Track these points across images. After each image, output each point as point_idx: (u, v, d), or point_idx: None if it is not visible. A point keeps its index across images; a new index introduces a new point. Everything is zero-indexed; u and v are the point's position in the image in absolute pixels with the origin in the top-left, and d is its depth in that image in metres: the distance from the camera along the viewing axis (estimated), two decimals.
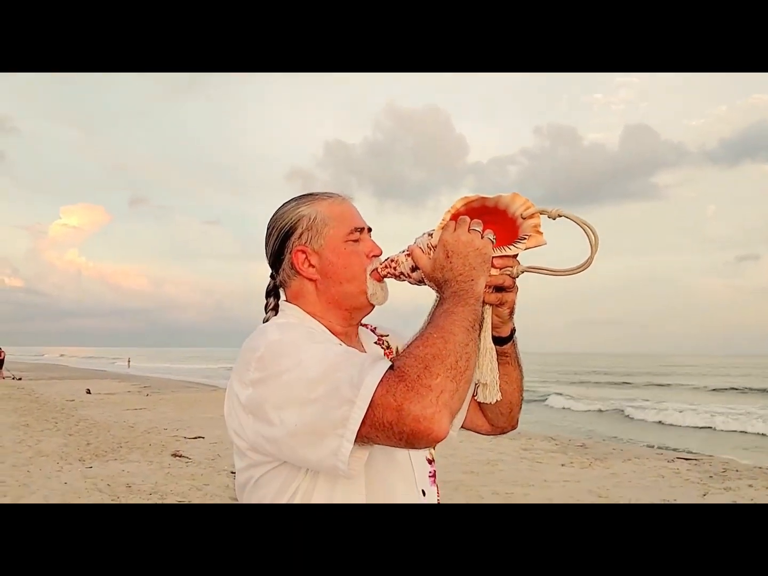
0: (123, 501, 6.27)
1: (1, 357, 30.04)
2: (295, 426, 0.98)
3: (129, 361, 61.70)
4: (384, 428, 0.93)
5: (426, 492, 1.20)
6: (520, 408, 1.35)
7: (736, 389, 30.90)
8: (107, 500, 6.27)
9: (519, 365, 1.30)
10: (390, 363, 0.98)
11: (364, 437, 0.95)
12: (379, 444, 0.98)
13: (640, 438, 14.06)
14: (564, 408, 22.16)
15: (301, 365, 1.00)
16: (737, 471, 8.77)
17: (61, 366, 55.56)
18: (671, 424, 17.13)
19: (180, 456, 8.97)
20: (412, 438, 0.92)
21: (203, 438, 10.74)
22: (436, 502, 1.24)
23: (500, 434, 1.39)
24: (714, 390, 30.94)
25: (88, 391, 20.71)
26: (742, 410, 19.18)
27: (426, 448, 0.95)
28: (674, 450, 11.85)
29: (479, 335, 1.11)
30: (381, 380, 0.94)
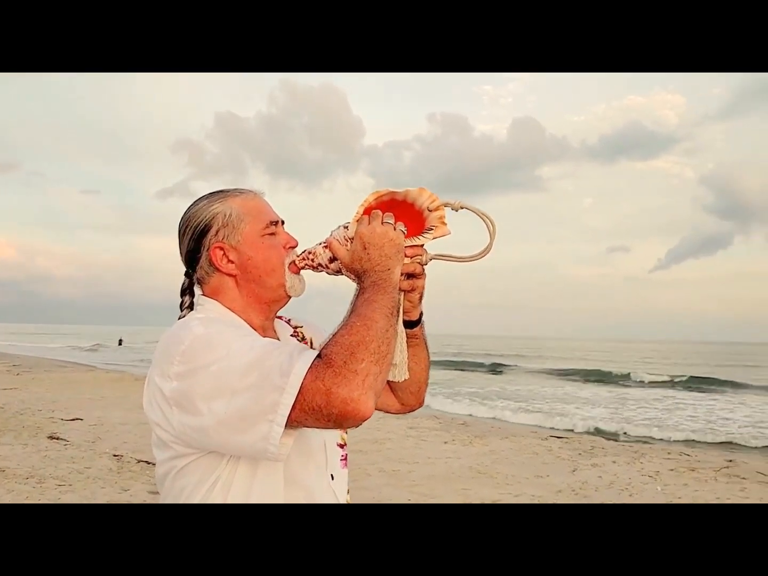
0: None
1: None
2: (225, 414, 1.03)
3: None
4: (314, 411, 1.00)
5: (335, 476, 1.28)
6: (427, 386, 1.46)
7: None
8: None
9: (426, 347, 1.41)
10: (317, 352, 1.05)
11: (294, 421, 1.02)
12: (308, 426, 1.05)
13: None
14: None
15: (230, 356, 1.06)
16: (603, 448, 9.50)
17: None
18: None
19: (57, 438, 8.55)
20: (341, 419, 1.00)
21: (81, 420, 10.27)
22: (345, 484, 1.33)
23: (409, 412, 1.49)
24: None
25: None
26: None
27: (353, 427, 1.04)
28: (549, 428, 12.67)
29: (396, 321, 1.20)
30: (310, 367, 1.02)
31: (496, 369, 34.84)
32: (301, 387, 1.00)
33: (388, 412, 1.49)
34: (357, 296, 1.14)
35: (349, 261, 1.19)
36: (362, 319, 1.07)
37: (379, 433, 10.14)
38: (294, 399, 1.01)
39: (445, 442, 9.60)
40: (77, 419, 10.31)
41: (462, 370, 33.50)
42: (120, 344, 53.05)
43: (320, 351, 1.05)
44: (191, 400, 1.07)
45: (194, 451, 1.12)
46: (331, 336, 1.08)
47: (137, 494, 5.82)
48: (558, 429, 12.53)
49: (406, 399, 1.46)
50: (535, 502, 6.21)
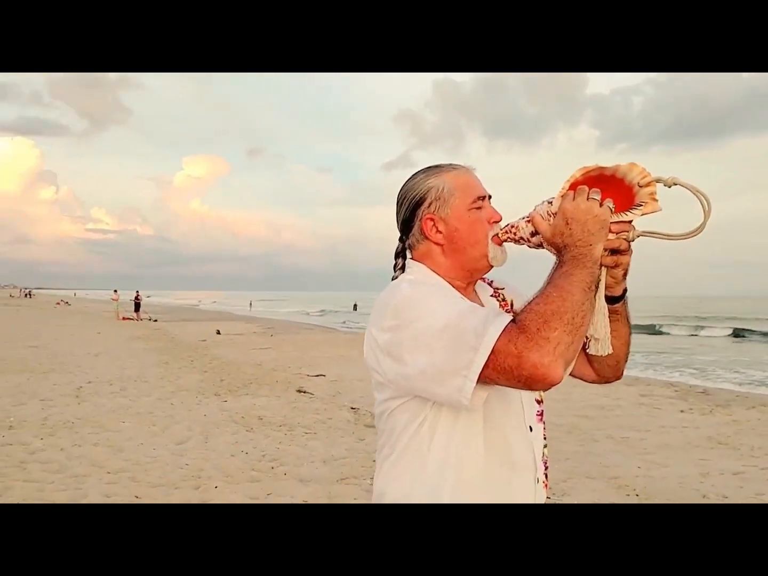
0: (256, 431, 6.88)
1: (138, 300, 32.74)
2: (426, 366, 1.14)
3: (251, 304, 65.17)
4: (505, 372, 1.07)
5: (533, 428, 1.35)
6: (626, 361, 1.45)
7: None
8: (242, 431, 6.90)
9: (628, 323, 1.39)
10: (512, 317, 1.11)
11: (486, 378, 1.10)
12: (500, 385, 1.12)
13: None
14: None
15: (432, 315, 1.16)
16: None
17: (191, 308, 59.57)
18: None
19: (304, 392, 9.60)
20: (530, 381, 1.05)
21: (324, 376, 11.39)
22: (542, 438, 1.39)
23: (605, 383, 1.49)
24: None
25: (218, 332, 22.22)
26: None
27: (542, 390, 1.10)
28: None
29: (595, 295, 1.21)
30: (503, 331, 1.08)
31: (738, 334, 31.50)
32: (494, 348, 1.07)
33: (583, 380, 1.50)
34: (555, 269, 1.16)
35: (550, 235, 1.20)
36: (559, 290, 1.10)
37: (606, 400, 9.80)
38: (486, 358, 1.07)
39: (682, 411, 8.98)
40: (321, 375, 11.45)
41: (695, 335, 30.75)
42: (355, 309, 57.13)
43: (515, 317, 1.11)
44: (399, 351, 1.19)
45: (402, 395, 1.25)
46: (526, 303, 1.13)
47: (371, 444, 6.32)
48: None
49: (603, 371, 1.46)
50: None
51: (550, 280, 1.14)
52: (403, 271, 1.40)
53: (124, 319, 30.42)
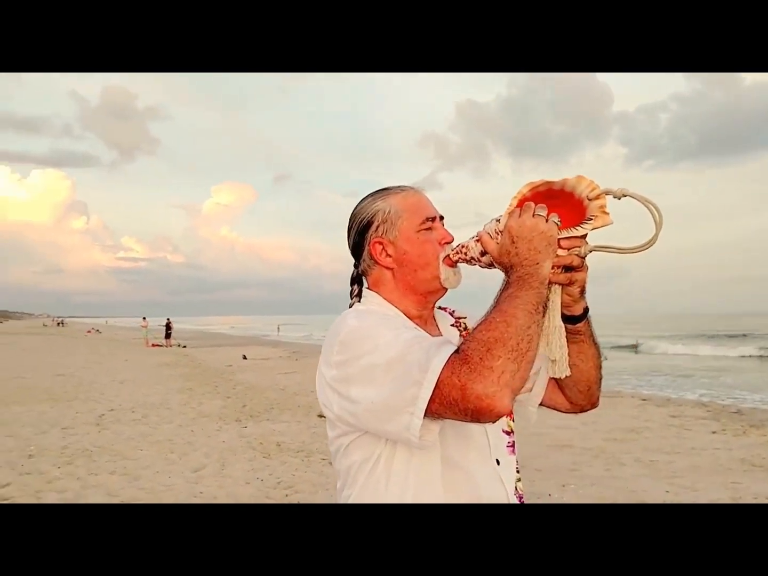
0: (273, 458, 6.80)
1: (171, 327, 33.10)
2: (372, 403, 1.10)
3: (279, 328, 65.52)
4: (450, 405, 1.02)
5: (501, 461, 1.27)
6: (599, 386, 1.37)
7: None
8: (259, 457, 6.83)
9: (594, 343, 1.32)
10: (455, 347, 1.06)
11: (434, 413, 1.05)
12: (448, 418, 1.07)
13: None
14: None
15: (377, 350, 1.11)
16: None
17: (219, 334, 60.09)
18: None
19: (325, 417, 9.50)
20: (477, 414, 1.00)
21: None
22: (513, 471, 1.31)
23: (579, 412, 1.42)
24: None
25: (244, 357, 22.31)
26: None
27: (490, 422, 1.03)
28: None
29: (545, 315, 1.18)
30: (447, 363, 1.03)
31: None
32: (438, 381, 1.02)
33: (557, 410, 1.44)
34: (501, 291, 1.12)
35: (497, 255, 1.16)
36: (502, 315, 1.05)
37: (635, 422, 9.55)
38: (431, 393, 1.03)
39: (713, 432, 8.68)
40: None
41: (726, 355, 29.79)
42: None
43: (459, 346, 1.05)
44: (346, 388, 1.15)
45: (354, 430, 1.19)
46: (471, 331, 1.08)
47: None
48: None
49: (575, 398, 1.39)
50: None
51: (495, 304, 1.09)
52: (359, 298, 1.35)
53: (153, 345, 30.77)
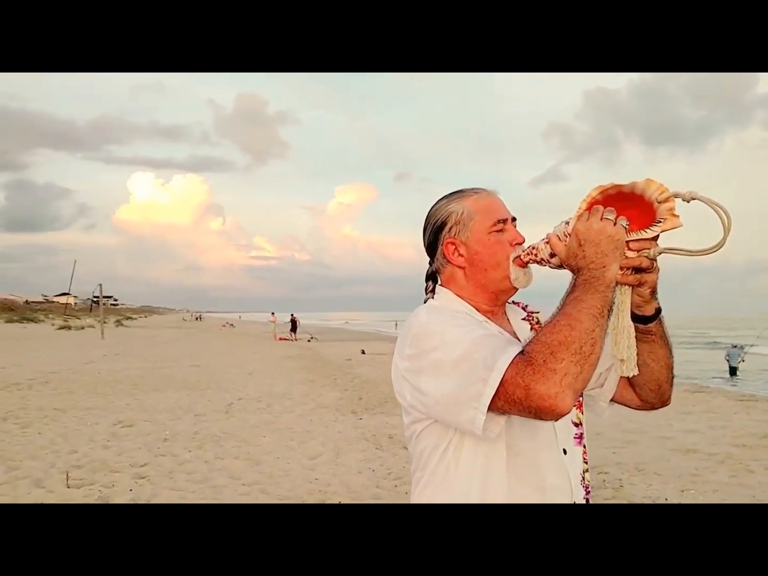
0: (385, 449, 7.01)
1: (296, 322, 34.47)
2: (441, 396, 1.18)
3: (396, 324, 66.30)
4: (514, 404, 1.08)
5: (568, 451, 1.32)
6: (671, 385, 1.39)
7: None
8: (372, 448, 7.07)
9: (666, 344, 1.34)
10: (521, 347, 1.12)
11: (498, 409, 1.12)
12: (512, 414, 1.13)
13: None
14: None
15: (446, 346, 1.18)
16: None
17: (341, 329, 61.81)
18: None
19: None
20: (539, 413, 1.06)
21: None
22: (581, 462, 1.35)
23: (650, 410, 1.44)
24: None
25: (363, 352, 22.84)
26: None
27: (552, 420, 1.08)
28: None
29: (615, 315, 1.22)
30: (511, 362, 1.09)
31: None
32: (502, 380, 1.08)
33: (627, 406, 1.46)
34: (567, 294, 1.15)
35: (565, 257, 1.20)
36: (567, 319, 1.09)
37: None
38: (495, 390, 1.09)
39: None
40: None
41: None
42: None
43: (524, 347, 1.11)
44: (416, 379, 1.23)
45: (426, 418, 1.27)
46: (536, 333, 1.13)
47: None
48: None
49: (645, 396, 1.42)
50: None
51: (561, 307, 1.14)
52: (433, 294, 1.43)
53: (280, 339, 32.22)
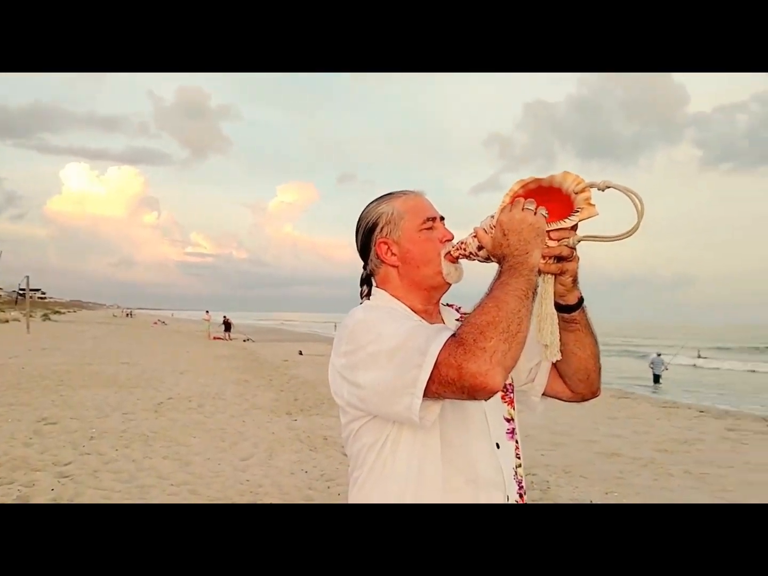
0: (319, 451, 6.97)
1: (230, 323, 33.94)
2: (378, 387, 1.20)
3: (335, 326, 66.08)
4: (448, 384, 1.11)
5: (500, 445, 1.35)
6: (599, 375, 1.44)
7: None
8: (306, 450, 7.02)
9: (591, 332, 1.39)
10: (453, 332, 1.15)
11: (434, 393, 1.14)
12: (447, 398, 1.16)
13: None
14: None
15: (381, 339, 1.21)
16: None
17: (278, 329, 61.21)
18: None
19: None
20: (472, 391, 1.09)
21: None
22: (514, 456, 1.38)
23: (581, 401, 1.49)
24: None
25: (300, 353, 22.74)
26: None
27: (485, 399, 1.12)
28: None
29: (539, 303, 1.28)
30: (443, 346, 1.13)
31: None
32: (436, 363, 1.12)
33: (559, 399, 1.51)
34: (494, 280, 1.21)
35: (491, 248, 1.26)
36: (494, 301, 1.15)
37: (689, 433, 9.33)
38: (429, 374, 1.12)
39: None
40: None
41: None
42: None
43: (455, 331, 1.15)
44: (353, 374, 1.24)
45: (363, 415, 1.29)
46: (466, 316, 1.17)
47: None
48: None
49: (575, 386, 1.47)
50: None
51: (489, 291, 1.19)
52: (369, 298, 1.45)
53: (215, 338, 31.64)
